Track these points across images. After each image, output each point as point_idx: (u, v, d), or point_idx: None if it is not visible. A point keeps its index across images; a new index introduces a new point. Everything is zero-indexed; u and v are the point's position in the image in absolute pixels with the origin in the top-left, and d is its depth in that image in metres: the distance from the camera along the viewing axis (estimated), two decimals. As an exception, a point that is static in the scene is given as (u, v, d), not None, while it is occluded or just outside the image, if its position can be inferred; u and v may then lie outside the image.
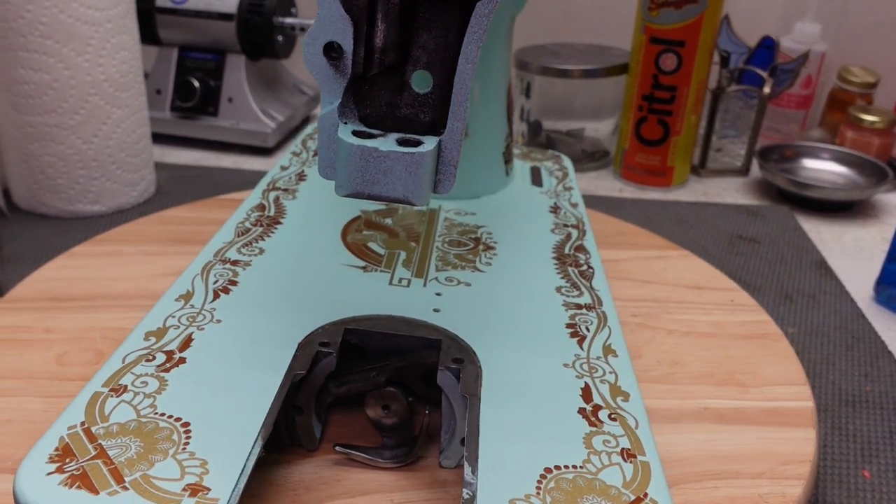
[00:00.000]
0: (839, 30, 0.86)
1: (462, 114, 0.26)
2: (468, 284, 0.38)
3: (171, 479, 0.25)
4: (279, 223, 0.43)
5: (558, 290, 0.38)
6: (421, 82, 0.27)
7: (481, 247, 0.42)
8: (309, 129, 0.59)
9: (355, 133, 0.26)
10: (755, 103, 0.75)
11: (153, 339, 0.32)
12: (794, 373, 0.40)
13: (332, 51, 0.26)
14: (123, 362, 0.31)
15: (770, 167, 0.71)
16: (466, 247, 0.42)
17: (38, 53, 0.53)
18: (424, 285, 0.38)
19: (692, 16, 0.65)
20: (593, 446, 0.28)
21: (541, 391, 0.31)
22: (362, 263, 0.39)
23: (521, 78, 0.76)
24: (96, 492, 0.24)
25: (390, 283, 0.38)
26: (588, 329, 0.35)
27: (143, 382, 0.30)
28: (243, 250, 0.40)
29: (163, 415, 0.28)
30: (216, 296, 0.36)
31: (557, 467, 0.27)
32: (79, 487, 0.24)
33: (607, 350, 0.34)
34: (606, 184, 0.73)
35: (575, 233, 0.45)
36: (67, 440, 0.26)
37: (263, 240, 0.41)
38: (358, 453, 0.31)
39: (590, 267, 0.41)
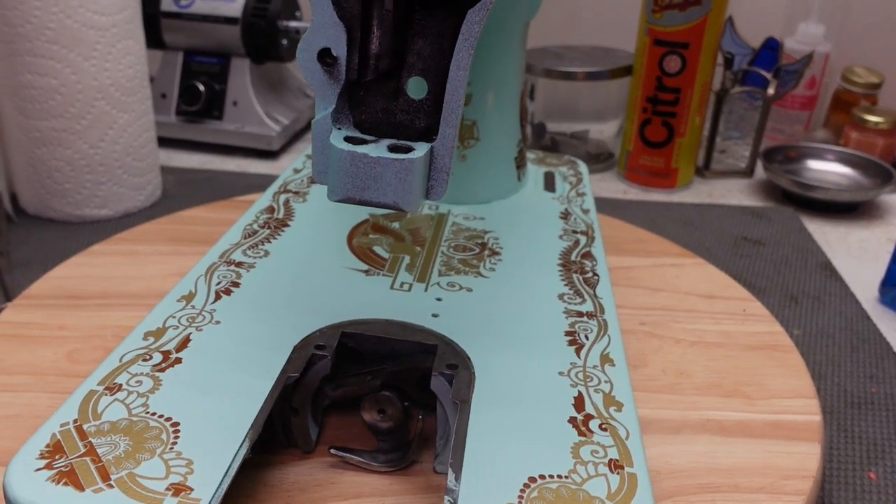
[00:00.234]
0: (843, 30, 0.86)
1: (454, 120, 0.26)
2: (469, 290, 0.38)
3: (156, 478, 0.25)
4: (287, 226, 0.43)
5: (561, 297, 0.38)
6: (417, 89, 0.27)
7: (487, 252, 0.42)
8: None
9: (347, 139, 0.26)
10: (759, 105, 0.75)
11: (152, 339, 0.33)
12: (802, 385, 0.39)
13: (326, 57, 0.26)
14: (121, 361, 0.31)
15: (774, 168, 0.71)
16: (472, 252, 0.42)
17: (44, 58, 0.54)
18: (426, 290, 0.38)
19: (696, 18, 0.65)
20: (580, 456, 0.28)
21: (533, 399, 0.31)
22: (365, 267, 0.40)
23: (526, 80, 0.76)
24: (82, 489, 0.25)
25: (391, 287, 0.38)
26: (587, 337, 0.35)
27: (137, 382, 0.30)
28: (249, 252, 0.40)
29: (154, 414, 0.28)
30: (217, 297, 0.36)
31: (542, 476, 0.27)
32: (65, 484, 0.25)
33: (605, 359, 0.33)
34: (611, 186, 0.74)
35: (584, 239, 0.44)
36: (59, 437, 0.27)
37: (270, 242, 0.41)
38: (352, 456, 0.31)
39: (595, 274, 0.40)
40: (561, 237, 0.45)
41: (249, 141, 0.75)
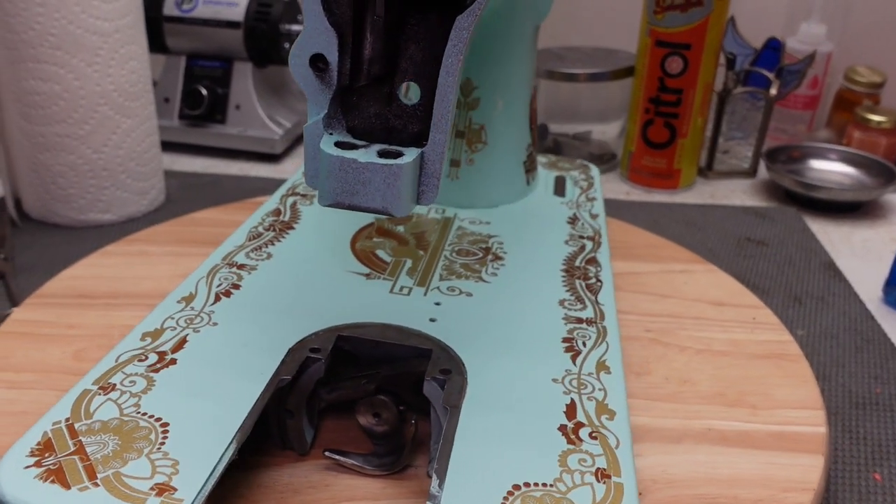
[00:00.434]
0: (845, 30, 0.86)
1: (444, 126, 0.26)
2: (469, 294, 0.38)
3: (141, 477, 0.26)
4: (292, 228, 0.44)
5: (561, 302, 0.38)
6: (413, 94, 0.27)
7: (490, 257, 0.42)
8: None
9: (338, 144, 0.27)
10: (762, 105, 0.75)
11: (149, 340, 0.33)
12: (809, 397, 0.38)
13: (318, 62, 0.26)
14: (116, 361, 0.31)
15: (777, 168, 0.71)
16: (475, 256, 0.42)
17: (48, 64, 0.54)
18: (425, 294, 0.38)
19: (698, 18, 0.65)
20: (567, 464, 0.27)
21: (524, 405, 0.30)
22: (366, 271, 0.40)
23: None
24: (68, 486, 0.25)
25: (391, 291, 0.38)
26: (584, 344, 0.35)
27: (131, 382, 0.30)
28: (252, 254, 0.40)
29: (144, 414, 0.29)
30: (217, 299, 0.36)
31: (527, 484, 0.26)
32: (52, 482, 0.25)
33: (601, 366, 0.33)
34: (613, 186, 0.74)
35: (589, 244, 0.44)
36: (50, 435, 0.27)
37: (273, 244, 0.41)
38: (346, 459, 0.31)
39: (599, 280, 0.40)
40: (567, 242, 0.44)
41: (252, 144, 0.75)
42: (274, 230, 0.43)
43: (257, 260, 0.40)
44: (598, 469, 0.27)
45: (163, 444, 0.27)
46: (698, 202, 0.70)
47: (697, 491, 0.32)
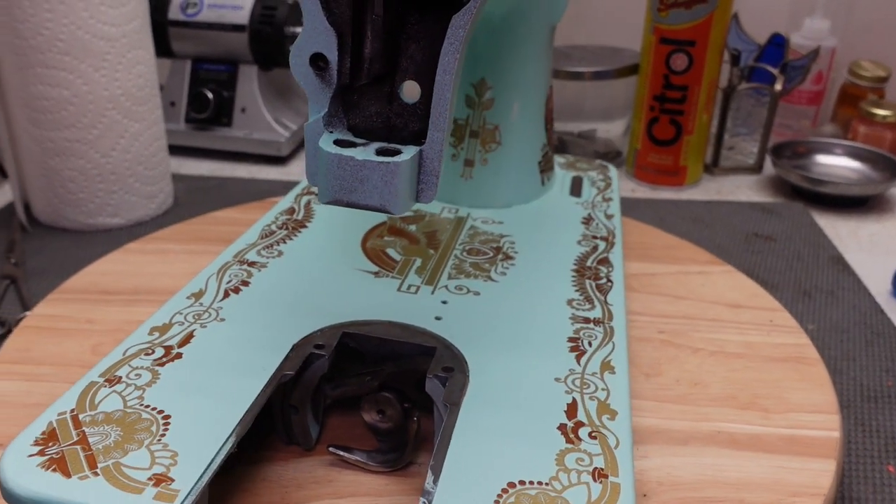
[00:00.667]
0: (848, 25, 0.86)
1: (442, 124, 0.26)
2: (477, 293, 0.38)
3: (140, 468, 0.26)
4: (305, 227, 0.44)
5: (570, 302, 0.38)
6: (412, 93, 0.27)
7: (500, 256, 0.42)
8: None
9: (337, 142, 0.27)
10: (766, 100, 0.75)
11: (157, 334, 0.33)
12: (824, 401, 0.38)
13: (318, 61, 0.27)
14: (124, 355, 0.32)
15: (783, 164, 0.71)
16: (485, 256, 0.42)
17: (56, 69, 0.54)
18: (432, 293, 0.38)
19: (702, 15, 0.65)
20: (565, 464, 0.27)
21: (524, 404, 0.30)
22: (375, 269, 0.40)
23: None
24: (69, 475, 0.25)
25: (399, 289, 0.38)
26: (590, 344, 0.34)
27: (136, 375, 0.31)
28: (263, 252, 0.41)
29: (147, 406, 0.29)
30: (226, 295, 0.37)
31: (522, 482, 0.26)
32: (54, 470, 0.26)
33: (605, 366, 0.33)
34: (619, 184, 0.73)
35: (602, 245, 0.44)
36: (55, 425, 0.28)
37: (285, 243, 0.42)
38: (350, 455, 0.32)
39: (609, 280, 0.40)
40: (579, 242, 0.44)
41: (258, 147, 0.75)
42: (287, 228, 0.43)
43: (268, 257, 0.40)
44: (595, 469, 0.27)
45: (163, 436, 0.27)
46: (705, 198, 0.70)
47: (703, 494, 0.32)
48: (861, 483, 0.37)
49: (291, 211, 0.45)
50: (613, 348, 0.34)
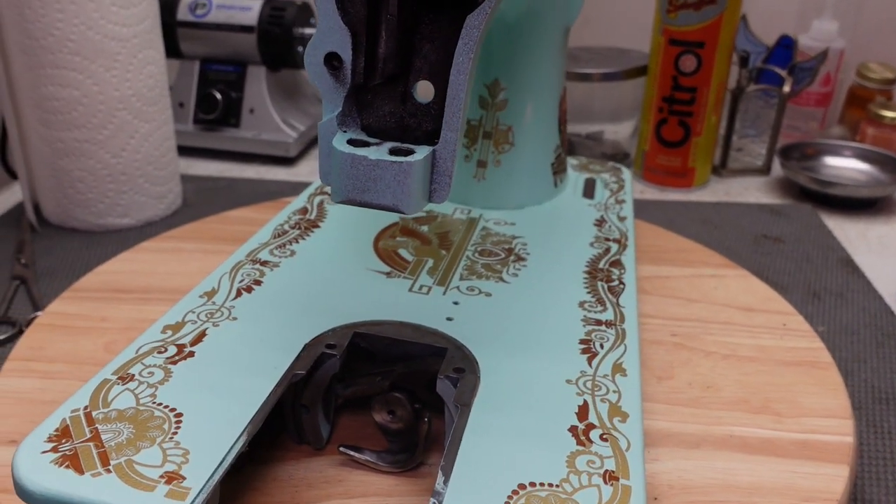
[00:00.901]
0: (857, 27, 0.86)
1: (455, 124, 0.26)
2: (488, 295, 0.38)
3: (152, 465, 0.26)
4: (317, 227, 0.44)
5: (581, 304, 0.38)
6: (426, 93, 0.27)
7: (512, 257, 0.42)
8: None
9: (351, 141, 0.27)
10: (775, 102, 0.75)
11: (169, 333, 0.33)
12: (837, 405, 0.37)
13: (332, 61, 0.27)
14: (137, 353, 0.32)
15: (792, 166, 0.71)
16: (497, 257, 0.42)
17: (66, 70, 0.54)
18: (444, 293, 0.38)
19: (711, 17, 0.65)
20: (576, 466, 0.27)
21: (535, 406, 0.30)
22: (387, 269, 0.40)
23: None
24: (82, 472, 0.26)
25: (410, 289, 0.38)
26: (602, 346, 0.34)
27: (149, 373, 0.31)
28: (276, 251, 0.41)
29: (160, 404, 0.29)
30: (238, 294, 0.37)
31: (532, 484, 0.26)
32: (67, 467, 0.26)
33: (617, 368, 0.33)
34: (627, 186, 0.74)
35: (615, 247, 0.44)
36: (68, 422, 0.28)
37: (298, 242, 0.42)
38: (360, 455, 0.32)
39: (622, 283, 0.40)
40: (592, 244, 0.44)
41: (267, 148, 0.75)
42: (299, 228, 0.43)
43: (280, 257, 0.40)
44: (606, 471, 0.27)
45: (175, 433, 0.28)
46: (713, 200, 0.70)
47: (714, 497, 0.31)
48: (874, 485, 0.36)
49: (304, 211, 0.46)
50: (625, 351, 0.34)
